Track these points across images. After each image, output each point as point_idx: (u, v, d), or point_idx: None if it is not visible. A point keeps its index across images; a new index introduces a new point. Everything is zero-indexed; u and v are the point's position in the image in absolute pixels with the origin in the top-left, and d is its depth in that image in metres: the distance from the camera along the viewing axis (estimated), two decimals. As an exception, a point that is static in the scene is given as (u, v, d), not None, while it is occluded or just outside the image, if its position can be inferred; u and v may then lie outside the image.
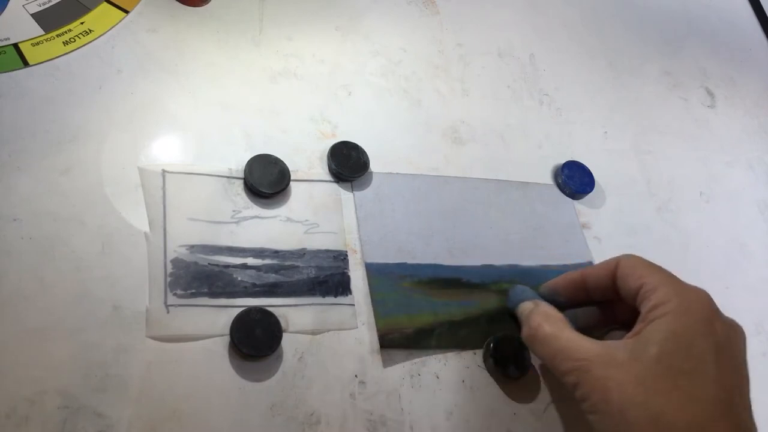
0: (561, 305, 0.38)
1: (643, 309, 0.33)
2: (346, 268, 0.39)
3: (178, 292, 0.35)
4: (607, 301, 0.38)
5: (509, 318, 0.40)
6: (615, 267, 0.36)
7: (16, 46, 0.40)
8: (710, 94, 0.58)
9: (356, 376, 0.36)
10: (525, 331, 0.37)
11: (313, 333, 0.37)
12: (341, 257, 0.39)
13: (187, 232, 0.37)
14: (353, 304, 0.38)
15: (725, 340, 0.32)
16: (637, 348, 0.32)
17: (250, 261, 0.37)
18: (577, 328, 0.35)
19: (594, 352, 0.32)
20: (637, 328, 0.33)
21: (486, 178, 0.46)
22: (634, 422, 0.30)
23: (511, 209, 0.45)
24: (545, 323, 0.35)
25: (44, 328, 0.33)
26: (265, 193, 0.39)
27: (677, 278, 0.34)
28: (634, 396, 0.30)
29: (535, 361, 0.39)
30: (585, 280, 0.38)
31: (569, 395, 0.34)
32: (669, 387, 0.30)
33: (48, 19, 0.41)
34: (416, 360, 0.38)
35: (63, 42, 0.41)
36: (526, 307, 0.38)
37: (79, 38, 0.41)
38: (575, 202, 0.47)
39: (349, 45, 0.48)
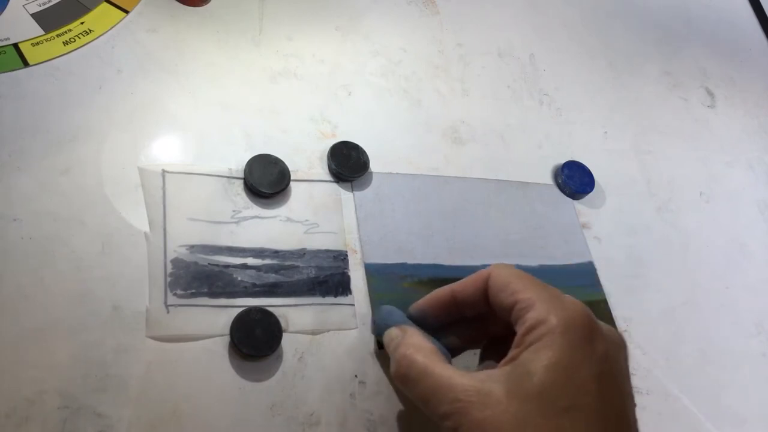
0: (431, 327, 0.36)
1: (519, 330, 0.31)
2: (346, 268, 0.39)
3: (178, 292, 0.35)
4: (479, 315, 0.35)
5: (377, 346, 0.37)
6: (486, 281, 0.34)
7: (16, 46, 0.40)
8: (710, 94, 0.58)
9: (356, 376, 0.36)
10: (393, 369, 0.33)
11: (313, 333, 0.37)
12: (341, 257, 0.39)
13: (187, 232, 0.37)
14: (353, 304, 0.38)
15: (606, 362, 0.30)
16: (514, 379, 0.29)
17: (250, 261, 0.37)
18: (450, 351, 0.34)
19: (471, 389, 0.29)
20: (513, 353, 0.30)
21: (486, 178, 0.46)
22: None
23: (511, 209, 0.45)
24: (416, 356, 0.32)
25: (44, 328, 0.33)
26: (265, 193, 0.39)
27: (553, 291, 0.32)
28: None
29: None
30: (455, 297, 0.35)
31: None
32: (549, 428, 0.28)
33: (48, 19, 0.41)
34: (416, 360, 0.38)
35: (63, 42, 0.41)
36: (394, 337, 0.34)
37: (79, 38, 0.41)
38: (575, 202, 0.47)
39: (349, 45, 0.48)
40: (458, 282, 0.35)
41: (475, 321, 0.36)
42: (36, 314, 0.33)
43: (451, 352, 0.35)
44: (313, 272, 0.38)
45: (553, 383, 0.29)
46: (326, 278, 0.38)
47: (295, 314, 0.37)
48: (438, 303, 0.36)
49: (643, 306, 0.45)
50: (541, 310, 0.30)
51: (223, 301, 0.36)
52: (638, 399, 0.31)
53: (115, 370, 0.33)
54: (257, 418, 0.34)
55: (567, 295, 0.32)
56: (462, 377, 0.30)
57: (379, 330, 0.36)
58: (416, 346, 0.33)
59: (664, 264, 0.47)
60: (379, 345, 0.37)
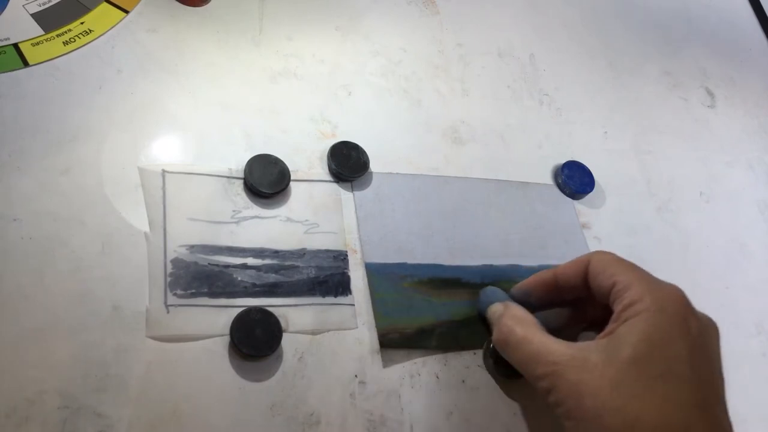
0: (532, 306, 0.37)
1: (616, 308, 0.33)
2: (346, 268, 0.39)
3: (178, 292, 0.35)
4: (578, 299, 0.37)
5: (480, 321, 0.39)
6: (586, 265, 0.35)
7: (16, 46, 0.40)
8: (710, 94, 0.58)
9: (356, 376, 0.36)
10: (496, 335, 0.36)
11: (313, 333, 0.37)
12: (341, 257, 0.39)
13: (187, 232, 0.37)
14: (353, 304, 0.38)
15: (700, 340, 0.31)
16: (611, 349, 0.31)
17: (250, 261, 0.37)
18: (549, 330, 0.35)
19: (567, 355, 0.32)
20: (610, 327, 0.32)
21: (486, 178, 0.46)
22: (609, 428, 0.29)
23: (511, 209, 0.45)
24: (516, 326, 0.35)
25: (44, 328, 0.33)
26: (265, 193, 0.39)
27: (650, 275, 0.34)
28: (609, 401, 0.30)
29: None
30: (556, 280, 0.37)
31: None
32: (644, 391, 0.30)
33: (48, 19, 0.41)
34: (416, 360, 0.38)
35: (63, 42, 0.41)
36: (496, 310, 0.37)
37: (79, 38, 0.41)
38: (575, 202, 0.47)
39: (349, 45, 0.48)
40: (560, 266, 0.37)
41: (574, 306, 0.38)
42: (36, 314, 0.33)
43: (550, 333, 0.35)
44: (313, 272, 0.38)
45: (648, 353, 0.30)
46: (326, 278, 0.38)
47: (295, 314, 0.37)
48: (540, 284, 0.38)
49: (643, 306, 0.45)
50: (638, 291, 0.32)
51: (223, 301, 0.36)
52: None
53: (115, 370, 0.33)
54: (257, 418, 0.34)
55: (664, 280, 0.33)
56: (560, 344, 0.33)
57: (482, 306, 0.39)
58: (517, 318, 0.36)
59: (664, 264, 0.47)
60: (483, 321, 0.39)
